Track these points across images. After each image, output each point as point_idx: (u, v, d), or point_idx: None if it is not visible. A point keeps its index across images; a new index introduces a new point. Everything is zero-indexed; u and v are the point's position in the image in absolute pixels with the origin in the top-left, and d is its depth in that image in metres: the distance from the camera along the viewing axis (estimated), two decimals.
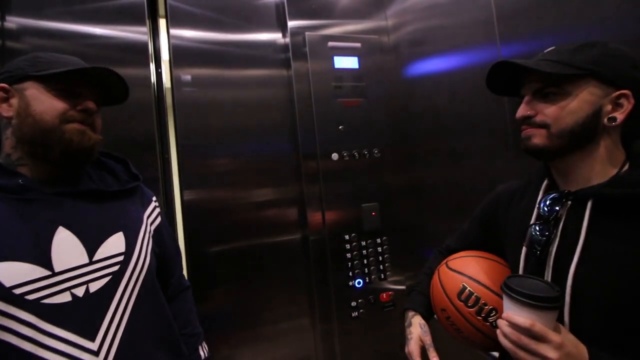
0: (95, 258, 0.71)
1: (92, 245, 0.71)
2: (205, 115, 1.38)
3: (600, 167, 0.65)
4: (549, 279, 0.66)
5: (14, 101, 0.69)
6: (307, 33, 1.51)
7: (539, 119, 0.67)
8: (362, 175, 1.55)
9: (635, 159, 0.64)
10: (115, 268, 0.73)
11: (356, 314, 1.49)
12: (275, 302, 1.44)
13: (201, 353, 0.93)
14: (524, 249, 0.72)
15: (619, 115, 0.63)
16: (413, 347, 0.84)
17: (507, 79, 0.74)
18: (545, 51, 0.70)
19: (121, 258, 0.74)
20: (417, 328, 0.87)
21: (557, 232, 0.67)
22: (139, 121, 1.27)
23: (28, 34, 1.18)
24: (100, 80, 0.75)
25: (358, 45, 1.59)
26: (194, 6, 1.40)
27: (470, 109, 1.26)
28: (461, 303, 0.79)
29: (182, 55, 1.36)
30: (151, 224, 0.86)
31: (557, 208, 0.67)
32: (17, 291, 0.62)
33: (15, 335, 0.62)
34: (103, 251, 0.72)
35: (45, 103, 0.69)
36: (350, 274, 1.50)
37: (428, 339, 0.85)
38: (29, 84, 0.70)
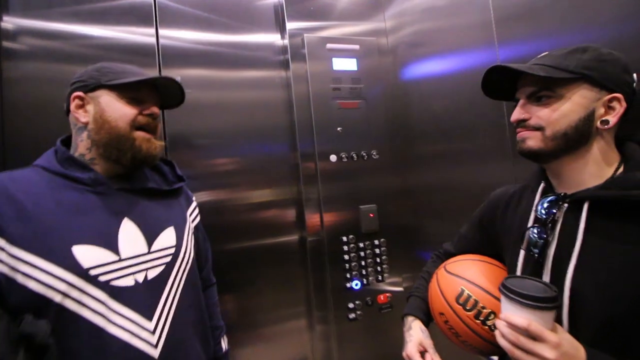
0: (153, 249, 0.80)
1: (150, 237, 0.80)
2: (202, 116, 1.37)
3: (595, 169, 0.66)
4: (548, 281, 0.66)
5: (90, 108, 0.78)
6: (305, 35, 1.52)
7: (533, 121, 0.68)
8: (360, 177, 1.56)
9: (629, 161, 0.65)
10: (168, 259, 0.81)
11: (353, 315, 1.49)
12: (273, 304, 1.43)
13: (223, 346, 1.01)
14: (522, 252, 0.73)
15: (612, 118, 0.64)
16: (412, 350, 0.83)
17: (502, 83, 0.75)
18: (539, 56, 0.71)
19: (172, 250, 0.83)
20: (417, 332, 0.87)
21: (554, 234, 0.67)
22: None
23: (26, 35, 1.17)
24: (161, 87, 0.83)
25: (356, 47, 1.59)
26: (186, 5, 1.39)
27: (468, 111, 1.27)
28: (459, 306, 0.79)
29: (174, 56, 1.35)
30: (192, 221, 0.95)
31: (554, 211, 0.68)
32: (93, 272, 0.70)
33: (90, 310, 0.69)
34: (159, 243, 0.81)
35: (118, 110, 0.77)
36: (348, 275, 1.50)
37: (429, 343, 0.85)
38: (102, 92, 0.78)
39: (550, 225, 0.68)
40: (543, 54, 0.71)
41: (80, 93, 0.79)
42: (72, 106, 0.80)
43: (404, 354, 0.86)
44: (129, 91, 0.79)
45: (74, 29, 1.23)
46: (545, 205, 0.70)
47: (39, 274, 0.67)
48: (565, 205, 0.68)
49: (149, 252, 0.79)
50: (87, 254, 0.71)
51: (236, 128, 1.41)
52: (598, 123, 0.65)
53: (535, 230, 0.70)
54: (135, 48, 1.30)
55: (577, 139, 0.65)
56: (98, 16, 1.26)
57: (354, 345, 1.49)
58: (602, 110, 0.65)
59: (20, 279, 0.66)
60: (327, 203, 1.50)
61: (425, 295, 0.93)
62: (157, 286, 0.78)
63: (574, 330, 0.61)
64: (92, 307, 0.70)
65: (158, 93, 0.85)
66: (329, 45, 1.54)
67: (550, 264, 0.67)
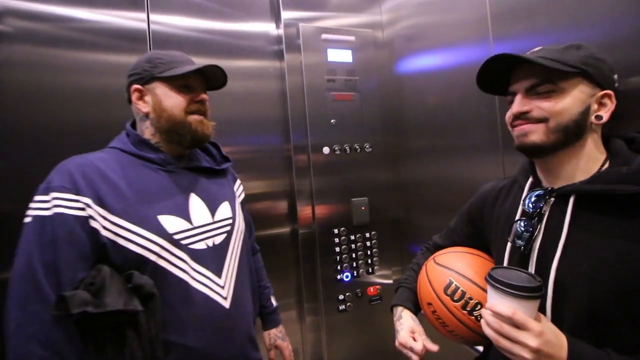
0: (215, 219, 0.92)
1: (212, 209, 0.92)
2: None
3: (584, 164, 0.67)
4: (533, 272, 0.68)
5: (148, 99, 0.87)
6: (301, 24, 1.50)
7: (536, 113, 0.67)
8: (353, 170, 1.56)
9: (615, 156, 0.67)
10: (228, 228, 0.94)
11: (343, 307, 1.51)
12: None
13: (273, 302, 1.16)
14: (508, 244, 0.74)
15: (605, 114, 0.66)
16: (405, 337, 0.84)
17: (496, 77, 0.75)
18: (534, 50, 0.71)
19: (230, 221, 0.95)
20: (408, 320, 0.88)
21: (540, 227, 0.69)
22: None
23: (11, 16, 1.13)
24: (207, 72, 0.91)
25: (352, 38, 1.58)
26: None
27: (461, 107, 1.27)
28: (447, 297, 0.80)
29: (163, 42, 1.32)
30: (238, 196, 1.07)
31: (541, 204, 0.70)
32: (176, 237, 0.82)
33: (177, 268, 0.81)
34: (219, 214, 0.93)
35: (172, 99, 0.86)
36: (339, 267, 1.51)
37: (420, 330, 0.86)
38: (156, 84, 0.87)
39: (536, 218, 0.70)
40: (538, 49, 0.72)
41: (138, 86, 0.88)
42: (133, 98, 0.89)
43: (396, 342, 0.87)
44: (180, 80, 0.87)
45: (61, 11, 1.19)
46: (533, 199, 0.71)
47: (136, 238, 0.78)
48: (552, 199, 0.69)
49: (213, 222, 0.91)
50: (169, 222, 0.83)
51: (228, 119, 1.39)
52: (592, 118, 0.66)
53: (522, 223, 0.71)
54: (126, 33, 1.27)
55: (575, 132, 0.66)
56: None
57: (344, 336, 1.51)
58: (595, 106, 0.66)
59: (122, 242, 0.77)
60: (319, 195, 1.50)
61: (413, 286, 0.95)
62: (222, 250, 0.90)
63: (557, 320, 0.63)
64: (179, 266, 0.82)
65: (204, 78, 0.92)
66: (324, 36, 1.53)
67: (535, 255, 0.68)
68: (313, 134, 1.49)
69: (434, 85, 1.42)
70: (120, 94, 1.23)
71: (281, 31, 1.50)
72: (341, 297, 1.51)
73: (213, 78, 0.94)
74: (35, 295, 0.70)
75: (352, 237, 1.54)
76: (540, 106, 0.67)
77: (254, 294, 1.01)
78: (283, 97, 1.51)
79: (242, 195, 1.11)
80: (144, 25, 1.30)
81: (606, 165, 0.66)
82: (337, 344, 1.50)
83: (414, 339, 0.84)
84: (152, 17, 1.31)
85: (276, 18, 1.52)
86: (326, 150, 1.51)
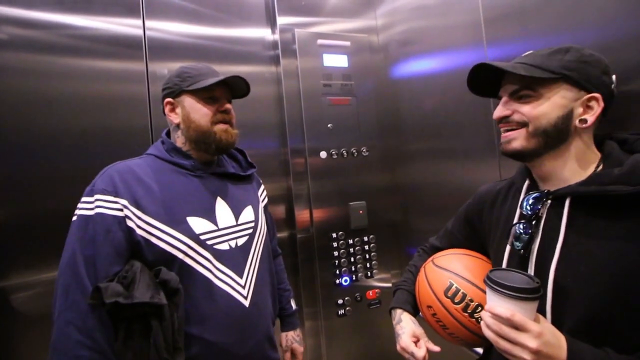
0: (239, 222, 0.98)
1: (237, 213, 0.98)
2: None
3: (575, 166, 0.68)
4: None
5: (178, 110, 0.95)
6: (296, 30, 1.51)
7: (516, 117, 0.70)
8: (350, 174, 1.56)
9: (607, 158, 0.67)
10: (250, 231, 0.99)
11: (342, 311, 1.50)
12: None
13: (293, 305, 1.21)
14: (507, 247, 0.75)
15: (590, 117, 0.66)
16: (407, 342, 0.84)
17: (488, 81, 0.77)
18: (523, 54, 0.73)
19: (252, 224, 1.01)
20: (408, 323, 0.88)
21: (538, 230, 0.70)
22: (137, 114, 1.28)
23: (6, 23, 1.13)
24: (231, 83, 0.97)
25: (347, 43, 1.59)
26: None
27: (457, 110, 1.28)
28: (448, 300, 0.80)
29: (159, 49, 1.33)
30: (262, 201, 1.12)
31: (539, 207, 0.70)
32: (202, 237, 0.89)
33: (202, 267, 0.88)
34: (243, 217, 0.99)
35: (199, 111, 0.93)
36: (337, 271, 1.51)
37: (421, 332, 0.86)
38: (185, 97, 0.94)
39: (534, 221, 0.70)
40: (527, 53, 0.73)
41: (169, 99, 0.96)
42: (166, 110, 0.97)
43: (398, 347, 0.86)
44: (206, 92, 0.94)
45: (57, 19, 1.19)
46: (530, 202, 0.72)
47: (166, 237, 0.85)
48: (549, 201, 0.70)
49: (236, 225, 0.97)
50: (197, 224, 0.89)
51: None
52: (577, 122, 0.67)
53: (521, 226, 0.72)
54: (122, 39, 1.27)
55: (556, 136, 0.67)
56: (83, 5, 1.22)
57: (343, 341, 1.51)
58: (580, 110, 0.67)
59: (154, 240, 0.84)
60: (316, 199, 1.50)
61: (411, 288, 0.94)
62: (244, 251, 0.96)
63: (557, 321, 0.63)
64: (203, 264, 0.88)
65: (229, 88, 0.99)
66: (320, 41, 1.54)
67: (534, 258, 0.69)
68: (310, 138, 1.50)
69: (429, 88, 1.43)
70: (115, 101, 1.24)
71: (277, 36, 1.51)
72: (340, 301, 1.50)
73: (237, 87, 1.00)
74: (75, 285, 0.78)
75: (350, 241, 1.54)
76: (520, 110, 0.69)
77: (273, 296, 1.05)
78: (279, 102, 1.51)
79: (266, 200, 1.17)
80: (140, 32, 1.30)
81: (600, 167, 0.67)
82: (336, 349, 1.49)
83: (417, 345, 0.84)
84: (148, 23, 1.32)
85: (272, 24, 1.53)
86: (323, 154, 1.51)
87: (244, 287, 0.92)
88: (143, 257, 0.84)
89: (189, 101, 0.94)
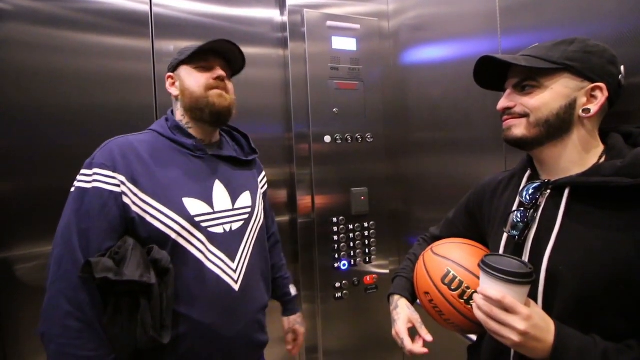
0: (236, 206, 0.97)
1: (234, 197, 0.98)
2: None
3: (576, 157, 0.69)
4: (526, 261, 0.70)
5: (177, 83, 0.96)
6: (305, 10, 1.47)
7: (518, 109, 0.71)
8: (354, 160, 1.56)
9: (611, 150, 0.68)
10: (246, 216, 0.99)
11: (339, 295, 1.53)
12: None
13: (292, 291, 1.23)
14: (504, 234, 0.77)
15: (593, 107, 0.67)
16: (401, 328, 0.87)
17: (495, 73, 0.77)
18: (530, 47, 0.74)
19: (249, 210, 1.00)
20: (404, 309, 0.90)
21: (535, 218, 0.71)
22: (142, 92, 1.27)
23: None
24: (225, 53, 0.97)
25: (357, 26, 1.56)
26: None
27: (465, 100, 1.26)
28: (445, 286, 0.82)
29: (166, 25, 1.30)
30: (261, 188, 1.12)
31: (538, 196, 0.72)
32: (197, 219, 0.88)
33: (194, 248, 0.88)
34: (240, 202, 0.98)
35: (193, 78, 0.93)
36: (336, 256, 1.53)
37: (417, 318, 0.89)
38: (181, 68, 0.95)
39: (532, 209, 0.72)
40: (533, 46, 0.74)
41: (170, 73, 0.98)
42: (167, 85, 0.98)
43: (393, 332, 0.89)
44: (199, 61, 0.94)
45: None
46: (531, 191, 0.73)
47: (161, 216, 0.85)
48: (548, 191, 0.71)
49: (233, 209, 0.96)
50: (192, 205, 0.89)
51: None
52: (580, 111, 0.67)
53: (519, 214, 0.73)
54: (128, 15, 1.25)
55: (558, 126, 0.68)
56: None
57: (339, 323, 1.54)
58: (584, 99, 0.67)
59: (148, 218, 0.84)
60: (319, 185, 1.50)
61: (410, 275, 0.96)
62: (238, 236, 0.96)
63: (548, 307, 0.65)
64: (196, 246, 0.88)
65: (224, 59, 0.98)
66: (329, 23, 1.50)
67: (530, 245, 0.71)
68: (315, 122, 1.49)
69: (438, 77, 1.41)
70: (120, 78, 1.23)
71: (286, 18, 1.47)
72: (338, 285, 1.53)
73: (233, 59, 1.00)
74: (68, 256, 0.79)
75: (351, 227, 1.55)
76: (522, 102, 0.71)
77: (266, 281, 1.06)
78: (285, 85, 1.49)
79: (265, 187, 1.16)
80: (147, 8, 1.28)
81: (603, 159, 0.68)
82: (332, 331, 1.53)
83: (412, 325, 0.87)
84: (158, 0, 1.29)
85: (281, 4, 1.49)
86: (327, 139, 1.51)
87: (235, 271, 0.92)
88: (137, 234, 0.85)
89: (184, 71, 0.94)
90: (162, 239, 0.85)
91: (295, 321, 1.21)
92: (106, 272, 0.75)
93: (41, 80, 1.14)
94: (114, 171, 0.84)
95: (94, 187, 0.82)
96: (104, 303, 0.80)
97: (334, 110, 1.52)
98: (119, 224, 0.83)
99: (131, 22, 1.25)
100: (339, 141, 1.52)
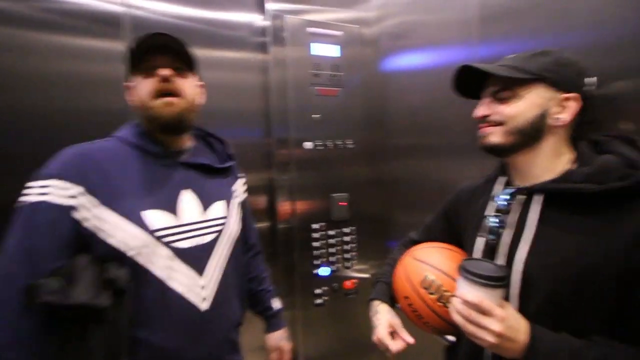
0: (207, 217, 0.90)
1: (205, 207, 0.90)
2: None
3: (548, 163, 0.72)
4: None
5: (133, 91, 0.86)
6: (286, 16, 1.47)
7: (494, 117, 0.74)
8: (334, 166, 1.56)
9: (581, 157, 0.71)
10: (219, 227, 0.91)
11: (320, 301, 1.52)
12: None
13: (275, 305, 1.14)
14: (479, 238, 0.79)
15: (564, 116, 0.70)
16: (383, 333, 0.87)
17: (473, 82, 0.80)
18: (507, 57, 0.77)
19: (223, 221, 0.93)
20: (385, 314, 0.91)
21: (510, 222, 0.74)
22: (114, 96, 1.18)
23: None
24: (167, 49, 0.84)
25: (338, 33, 1.57)
26: None
27: (444, 107, 1.28)
28: (424, 291, 0.83)
29: (143, 28, 1.25)
30: (239, 197, 1.05)
31: (512, 201, 0.74)
32: (158, 233, 0.81)
33: (154, 265, 0.80)
34: (212, 213, 0.91)
35: (140, 84, 0.84)
36: (316, 262, 1.52)
37: (397, 322, 0.89)
38: (132, 75, 0.85)
39: (506, 214, 0.74)
40: (510, 56, 0.76)
41: (127, 83, 0.88)
42: (127, 96, 0.90)
43: (374, 338, 0.89)
44: (142, 64, 0.83)
45: None
46: (505, 196, 0.76)
47: (117, 232, 0.77)
48: (523, 196, 0.73)
49: (203, 220, 0.89)
50: (156, 218, 0.81)
51: (207, 111, 1.33)
52: (552, 120, 0.70)
53: (492, 219, 0.76)
54: (102, 16, 1.21)
55: (532, 134, 0.71)
56: None
57: (319, 329, 1.53)
58: (556, 109, 0.70)
59: (102, 235, 0.77)
60: (299, 190, 1.49)
61: (390, 280, 0.97)
62: (208, 249, 0.88)
63: (523, 308, 0.67)
64: (157, 263, 0.80)
65: (169, 57, 0.85)
66: (310, 29, 1.51)
67: (504, 249, 0.73)
68: (295, 128, 1.48)
69: (418, 84, 1.43)
70: (92, 81, 1.18)
71: (266, 22, 1.46)
72: (318, 291, 1.52)
73: (182, 52, 0.86)
74: (9, 279, 0.71)
75: (331, 232, 1.55)
76: (498, 111, 0.73)
77: (241, 298, 0.99)
78: (265, 90, 1.48)
79: (243, 196, 1.09)
80: (123, 9, 1.25)
81: (573, 166, 0.71)
82: (312, 338, 1.52)
83: (393, 336, 0.87)
84: (132, 0, 1.26)
85: (261, 9, 1.49)
86: (308, 145, 1.50)
87: (203, 288, 0.85)
88: (92, 251, 0.77)
89: (133, 78, 0.85)
90: (120, 257, 0.77)
91: (281, 338, 1.12)
92: (49, 296, 0.67)
93: (6, 83, 1.09)
94: (67, 181, 0.76)
95: (43, 201, 0.74)
96: (49, 332, 0.71)
97: (315, 116, 1.51)
98: (70, 241, 0.75)
99: (104, 23, 1.22)
100: (320, 147, 1.52)
